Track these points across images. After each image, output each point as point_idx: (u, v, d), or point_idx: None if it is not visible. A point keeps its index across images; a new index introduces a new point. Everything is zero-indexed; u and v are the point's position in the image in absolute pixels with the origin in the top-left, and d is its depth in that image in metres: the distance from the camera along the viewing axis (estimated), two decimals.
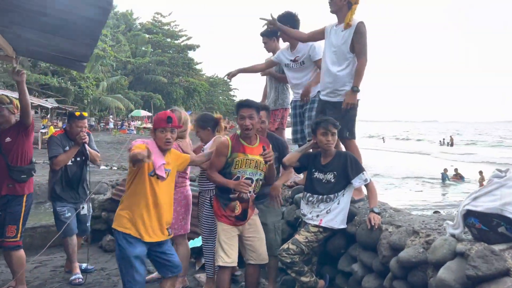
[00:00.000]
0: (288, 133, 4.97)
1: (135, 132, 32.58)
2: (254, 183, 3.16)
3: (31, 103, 19.39)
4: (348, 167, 3.13)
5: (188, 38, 51.70)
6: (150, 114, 42.43)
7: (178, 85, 50.29)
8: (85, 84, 30.16)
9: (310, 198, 3.25)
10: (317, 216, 3.17)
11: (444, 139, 50.32)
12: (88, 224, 4.68)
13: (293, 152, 3.48)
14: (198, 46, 51.03)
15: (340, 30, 3.64)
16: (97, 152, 4.42)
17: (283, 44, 4.66)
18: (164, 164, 2.96)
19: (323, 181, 3.22)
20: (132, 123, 35.70)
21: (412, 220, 2.84)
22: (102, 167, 15.35)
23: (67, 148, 4.21)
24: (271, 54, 4.89)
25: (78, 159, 4.36)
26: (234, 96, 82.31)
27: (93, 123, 34.50)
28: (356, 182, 3.11)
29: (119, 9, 48.22)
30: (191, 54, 53.71)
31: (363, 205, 3.34)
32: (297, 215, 3.91)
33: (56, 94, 30.03)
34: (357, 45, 3.53)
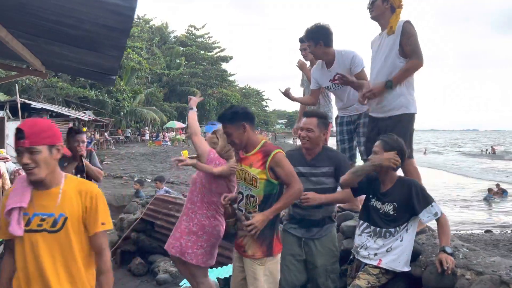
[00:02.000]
0: None
1: (169, 143, 32.84)
2: (243, 199, 2.67)
3: (69, 115, 19.74)
4: (413, 198, 2.60)
5: (222, 50, 52.17)
6: (184, 125, 42.82)
7: (212, 96, 50.66)
8: (122, 96, 30.69)
9: (367, 230, 2.76)
10: (375, 254, 2.67)
11: (486, 149, 47.98)
12: None
13: (349, 171, 2.91)
14: (231, 58, 51.39)
15: (385, 36, 3.19)
16: (100, 169, 4.09)
17: None
18: (21, 208, 1.80)
19: (381, 211, 2.73)
20: (166, 134, 36.01)
21: (495, 265, 2.30)
22: (136, 179, 15.34)
23: (66, 164, 3.92)
24: (308, 63, 4.49)
25: (79, 176, 4.06)
26: (266, 106, 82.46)
27: (129, 135, 35.08)
28: (425, 216, 2.58)
29: (155, 23, 49.22)
30: (224, 65, 54.17)
31: (427, 241, 2.82)
32: (344, 246, 3.42)
33: (94, 106, 30.73)
34: (407, 47, 3.07)
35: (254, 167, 2.58)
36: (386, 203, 2.71)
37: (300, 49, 4.29)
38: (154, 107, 39.34)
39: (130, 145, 30.03)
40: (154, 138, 34.15)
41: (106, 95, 29.97)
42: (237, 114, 2.61)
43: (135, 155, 22.68)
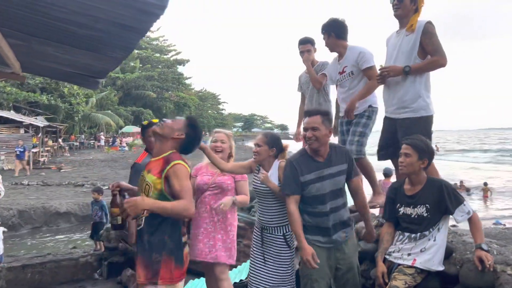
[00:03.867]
0: None
1: (127, 149, 31.84)
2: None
3: (22, 121, 18.71)
4: (446, 199, 2.64)
5: (177, 53, 51.53)
6: None
7: (168, 100, 49.81)
8: (75, 100, 29.42)
9: (400, 237, 2.78)
10: (409, 254, 2.69)
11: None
12: None
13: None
14: (187, 61, 50.88)
15: (405, 35, 3.24)
16: None
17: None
18: None
19: (413, 216, 2.74)
20: (123, 139, 34.89)
21: None
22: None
23: None
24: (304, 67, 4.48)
25: None
26: (223, 109, 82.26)
27: (83, 141, 33.66)
28: (458, 216, 2.62)
29: None
30: (180, 69, 53.47)
31: (454, 238, 2.87)
32: (362, 248, 3.42)
33: (45, 112, 29.21)
34: (429, 46, 3.11)
35: (152, 174, 2.37)
36: (418, 206, 2.72)
37: (302, 51, 4.27)
38: (109, 111, 38.05)
39: (85, 152, 28.82)
40: (110, 144, 32.97)
41: (59, 99, 28.62)
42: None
43: (94, 162, 21.81)
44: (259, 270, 3.12)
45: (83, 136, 34.72)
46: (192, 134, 2.50)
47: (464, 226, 3.01)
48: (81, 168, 19.63)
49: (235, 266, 4.34)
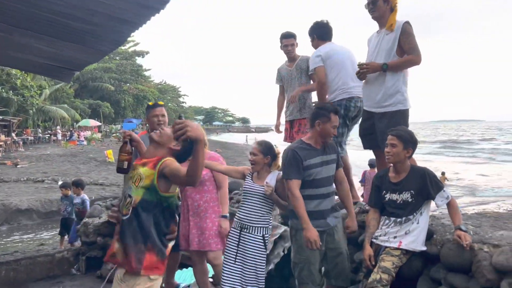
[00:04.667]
0: None
1: (86, 143, 30.82)
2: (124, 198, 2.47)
3: None
4: (428, 185, 2.88)
5: (136, 44, 50.18)
6: (99, 123, 40.51)
7: (127, 92, 48.56)
8: (29, 93, 28.07)
9: (386, 222, 2.99)
10: (395, 237, 2.91)
11: None
12: None
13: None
14: (147, 53, 49.71)
15: (385, 34, 3.44)
16: None
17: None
18: None
19: (398, 202, 2.96)
20: (81, 133, 33.70)
21: (506, 238, 2.65)
22: (60, 182, 14.23)
23: None
24: (284, 60, 4.64)
25: None
26: (183, 102, 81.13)
27: (40, 135, 32.22)
28: (438, 200, 2.87)
29: None
30: (139, 60, 52.21)
31: (434, 221, 3.12)
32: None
33: None
34: (406, 45, 3.33)
35: (147, 167, 2.37)
36: (403, 192, 2.95)
37: (287, 44, 4.43)
38: (65, 105, 36.58)
39: (41, 146, 27.60)
40: (68, 138, 31.76)
41: (10, 92, 27.21)
42: None
43: (52, 157, 20.97)
44: (231, 270, 3.26)
45: (40, 130, 33.21)
46: (187, 147, 2.41)
47: (443, 210, 3.29)
48: (39, 163, 18.84)
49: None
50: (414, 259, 2.95)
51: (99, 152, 22.96)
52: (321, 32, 4.10)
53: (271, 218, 3.34)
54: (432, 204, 3.01)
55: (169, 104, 69.01)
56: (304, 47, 4.60)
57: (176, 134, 2.20)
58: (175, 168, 2.29)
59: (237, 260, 3.25)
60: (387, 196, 3.02)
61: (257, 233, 3.21)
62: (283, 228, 4.19)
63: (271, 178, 3.26)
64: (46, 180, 14.58)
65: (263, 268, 3.24)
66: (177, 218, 2.51)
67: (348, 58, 3.98)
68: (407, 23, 3.34)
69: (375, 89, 3.48)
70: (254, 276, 3.20)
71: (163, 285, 4.13)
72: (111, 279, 5.02)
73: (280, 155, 3.27)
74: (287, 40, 4.42)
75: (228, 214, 3.52)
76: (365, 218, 3.42)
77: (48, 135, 32.93)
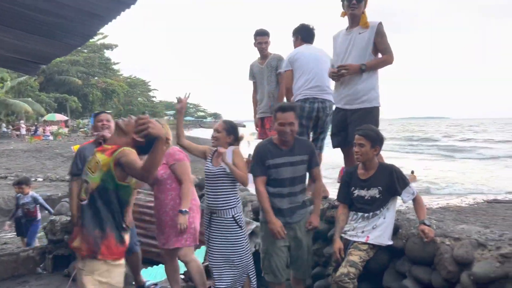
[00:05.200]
0: None
1: (52, 138, 29.87)
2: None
3: None
4: (395, 181, 2.98)
5: (104, 37, 48.90)
6: (66, 117, 39.35)
7: (95, 86, 47.36)
8: None
9: (355, 217, 3.08)
10: (362, 232, 3.00)
11: None
12: None
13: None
14: (116, 46, 48.56)
15: (358, 33, 3.51)
16: None
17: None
18: None
19: (366, 197, 3.05)
20: (47, 128, 32.61)
21: (466, 231, 2.78)
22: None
23: None
24: (256, 57, 4.67)
25: None
26: (153, 97, 79.94)
27: (4, 129, 30.95)
28: (405, 196, 2.98)
29: None
30: (108, 53, 50.99)
31: (400, 216, 3.23)
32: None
33: None
34: (381, 45, 3.45)
35: (105, 154, 2.36)
36: (371, 188, 3.04)
37: (260, 42, 4.46)
38: (29, 99, 35.28)
39: (3, 141, 26.56)
40: (32, 133, 30.68)
41: None
42: None
43: (15, 152, 20.23)
44: (213, 254, 3.35)
45: (4, 124, 31.90)
46: (151, 141, 2.31)
47: (409, 205, 3.42)
48: (2, 159, 18.13)
49: (199, 247, 4.46)
50: (380, 253, 3.05)
51: (65, 148, 22.29)
52: (306, 34, 4.15)
53: (238, 197, 3.38)
54: (399, 200, 3.13)
55: (139, 99, 67.93)
56: (277, 46, 4.65)
57: (138, 128, 2.24)
58: (132, 159, 2.27)
59: (211, 243, 3.34)
60: (356, 192, 3.11)
61: (227, 215, 3.29)
62: (254, 224, 4.24)
63: (228, 152, 3.30)
64: (9, 176, 14.06)
65: (243, 247, 3.30)
66: (130, 211, 2.53)
67: (315, 60, 4.00)
68: (381, 24, 3.44)
69: (350, 86, 3.55)
70: (238, 257, 3.28)
71: (134, 283, 4.12)
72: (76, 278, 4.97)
73: (243, 139, 3.40)
74: (261, 37, 4.46)
75: (186, 209, 3.41)
76: (334, 213, 3.52)
77: (9, 130, 31.68)
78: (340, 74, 3.46)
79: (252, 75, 4.75)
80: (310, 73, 3.93)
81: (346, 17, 3.60)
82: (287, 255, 3.25)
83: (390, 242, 2.99)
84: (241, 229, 3.32)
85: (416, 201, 3.00)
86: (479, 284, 2.45)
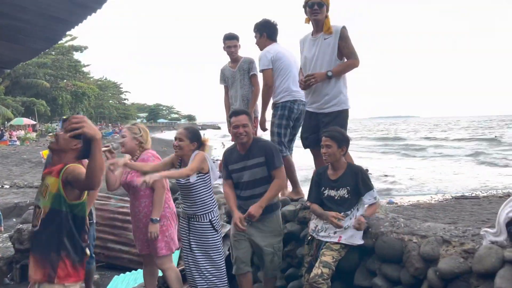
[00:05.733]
0: None
1: (18, 143, 28.93)
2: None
3: None
4: (359, 182, 3.05)
5: (73, 38, 47.66)
6: (34, 122, 38.22)
7: (64, 89, 46.19)
8: None
9: None
10: (335, 233, 3.04)
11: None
12: None
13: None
14: (85, 48, 47.45)
15: (323, 39, 3.57)
16: None
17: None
18: None
19: (336, 198, 3.11)
20: (14, 133, 31.57)
21: (432, 229, 2.87)
22: None
23: None
24: (227, 61, 4.67)
25: None
26: (125, 99, 78.56)
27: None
28: (367, 198, 3.06)
29: None
30: (77, 55, 49.86)
31: (373, 217, 3.30)
32: (288, 229, 3.74)
33: None
34: (345, 49, 3.50)
35: (52, 175, 2.29)
36: (340, 188, 3.10)
37: (230, 46, 4.44)
38: None
39: None
40: None
41: None
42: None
43: None
44: (189, 258, 3.34)
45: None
46: (87, 142, 2.24)
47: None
48: None
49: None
50: (351, 252, 3.10)
51: (34, 153, 21.64)
52: (271, 32, 4.19)
53: (213, 201, 3.36)
54: None
55: (110, 101, 66.69)
56: (246, 48, 4.64)
57: (70, 127, 2.09)
58: (77, 173, 2.20)
59: (192, 248, 3.32)
60: (326, 192, 3.16)
61: (204, 220, 3.30)
62: (228, 227, 4.24)
63: (191, 160, 3.24)
64: None
65: (218, 250, 3.31)
66: (88, 228, 2.47)
67: (294, 62, 4.11)
68: (344, 28, 3.50)
69: (319, 92, 3.61)
70: (209, 260, 3.28)
71: None
72: None
73: (208, 143, 3.42)
74: (230, 41, 4.44)
75: (157, 218, 3.33)
76: (306, 214, 3.57)
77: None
78: (308, 83, 3.51)
79: (224, 79, 4.72)
80: (293, 74, 4.03)
81: (310, 23, 3.64)
82: (248, 248, 3.38)
83: (362, 242, 3.05)
84: (217, 233, 3.33)
85: (374, 205, 3.10)
86: (444, 280, 2.53)
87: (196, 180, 3.24)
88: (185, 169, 3.15)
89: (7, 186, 13.16)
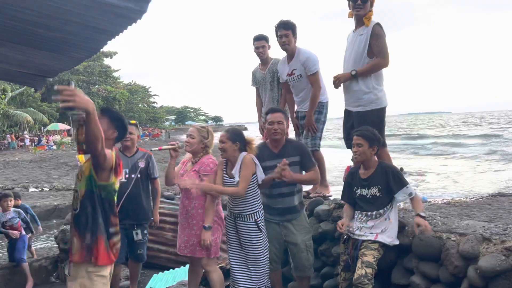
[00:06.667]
0: None
1: (55, 148, 30.03)
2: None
3: None
4: (390, 180, 3.05)
5: None
6: (68, 127, 39.50)
7: (96, 94, 47.51)
8: None
9: (359, 215, 3.14)
10: (371, 233, 3.06)
11: None
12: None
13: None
14: (115, 53, 48.56)
15: (358, 35, 3.58)
16: None
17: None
18: None
19: (368, 196, 3.12)
20: (50, 138, 32.76)
21: (471, 227, 2.85)
22: (32, 189, 13.89)
23: None
24: (258, 63, 4.72)
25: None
26: (154, 102, 79.98)
27: (9, 141, 31.07)
28: (400, 196, 3.03)
29: None
30: (107, 61, 51.15)
31: (405, 214, 3.30)
32: (322, 229, 3.78)
33: None
34: (375, 47, 3.48)
35: (85, 159, 2.48)
36: (372, 187, 3.11)
37: (258, 46, 4.50)
38: (31, 109, 35.49)
39: (8, 153, 26.72)
40: (36, 143, 30.83)
41: None
42: None
43: (21, 163, 20.35)
44: (239, 256, 3.38)
45: (9, 136, 32.02)
46: (120, 125, 2.55)
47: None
48: (7, 170, 18.26)
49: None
50: (388, 251, 3.11)
51: (69, 157, 22.42)
52: (295, 32, 4.20)
53: (259, 201, 3.37)
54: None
55: (140, 105, 68.02)
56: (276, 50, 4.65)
57: (62, 98, 2.00)
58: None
59: (243, 246, 3.36)
60: (358, 191, 3.18)
61: (250, 220, 3.32)
62: None
63: (239, 161, 3.27)
64: (16, 187, 14.16)
65: (261, 251, 3.33)
66: (116, 211, 2.55)
67: None
68: (377, 24, 3.48)
69: (349, 91, 3.66)
70: (255, 260, 3.31)
71: None
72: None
73: (253, 142, 3.39)
74: (258, 42, 4.49)
75: (209, 225, 3.32)
76: (340, 213, 3.60)
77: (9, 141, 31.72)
78: (335, 84, 3.60)
79: (255, 81, 4.80)
80: None
81: (352, 18, 3.64)
82: (279, 247, 3.46)
83: (397, 242, 3.05)
84: (261, 233, 3.35)
85: (414, 200, 3.04)
86: (485, 278, 2.51)
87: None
88: (238, 189, 3.21)
89: (47, 189, 13.74)
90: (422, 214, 2.93)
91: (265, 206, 3.42)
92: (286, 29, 4.07)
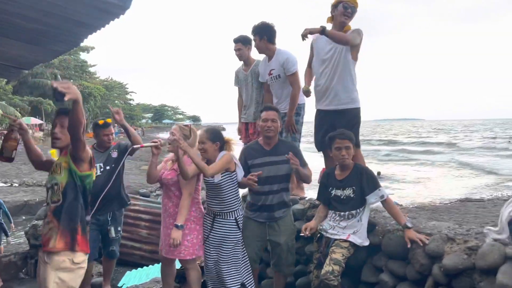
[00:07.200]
0: None
1: None
2: (49, 192, 2.65)
3: None
4: (363, 182, 3.14)
5: None
6: (41, 121, 38.56)
7: None
8: None
9: (333, 215, 3.23)
10: (343, 232, 3.15)
11: None
12: None
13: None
14: (92, 48, 47.76)
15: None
16: None
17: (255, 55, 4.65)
18: None
19: (342, 197, 3.21)
20: None
21: (437, 227, 2.98)
22: (0, 184, 13.48)
23: None
24: (241, 63, 4.76)
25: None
26: (131, 99, 78.87)
27: None
28: (372, 198, 3.12)
29: None
30: (83, 56, 50.19)
31: (376, 215, 3.41)
32: (296, 227, 3.85)
33: None
34: (351, 33, 3.62)
35: (62, 155, 2.62)
36: (346, 188, 3.20)
37: (235, 49, 4.55)
38: (2, 102, 34.44)
39: None
40: None
41: None
42: None
43: None
44: (210, 254, 3.40)
45: None
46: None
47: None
48: None
49: None
50: (359, 250, 3.21)
51: (42, 152, 21.85)
52: (271, 35, 4.27)
53: (239, 199, 3.42)
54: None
55: (116, 102, 66.91)
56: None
57: (60, 90, 2.16)
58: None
59: (210, 244, 3.37)
60: (333, 192, 3.27)
61: (230, 217, 3.36)
62: None
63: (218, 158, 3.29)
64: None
65: (241, 248, 3.39)
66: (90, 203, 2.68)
67: None
68: (356, 30, 3.65)
69: (325, 90, 3.74)
70: (233, 257, 3.33)
71: None
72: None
73: (232, 142, 3.45)
74: (235, 45, 4.54)
75: (182, 224, 3.27)
76: (314, 212, 3.68)
77: None
78: (303, 35, 3.46)
79: (237, 81, 4.83)
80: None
81: (330, 23, 3.74)
82: (258, 247, 3.51)
83: (367, 243, 3.16)
84: (240, 231, 3.40)
85: (387, 205, 3.11)
86: (449, 275, 2.63)
87: (224, 178, 3.27)
88: (207, 168, 3.16)
89: (16, 185, 13.37)
90: (410, 225, 2.95)
91: (251, 204, 3.48)
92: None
